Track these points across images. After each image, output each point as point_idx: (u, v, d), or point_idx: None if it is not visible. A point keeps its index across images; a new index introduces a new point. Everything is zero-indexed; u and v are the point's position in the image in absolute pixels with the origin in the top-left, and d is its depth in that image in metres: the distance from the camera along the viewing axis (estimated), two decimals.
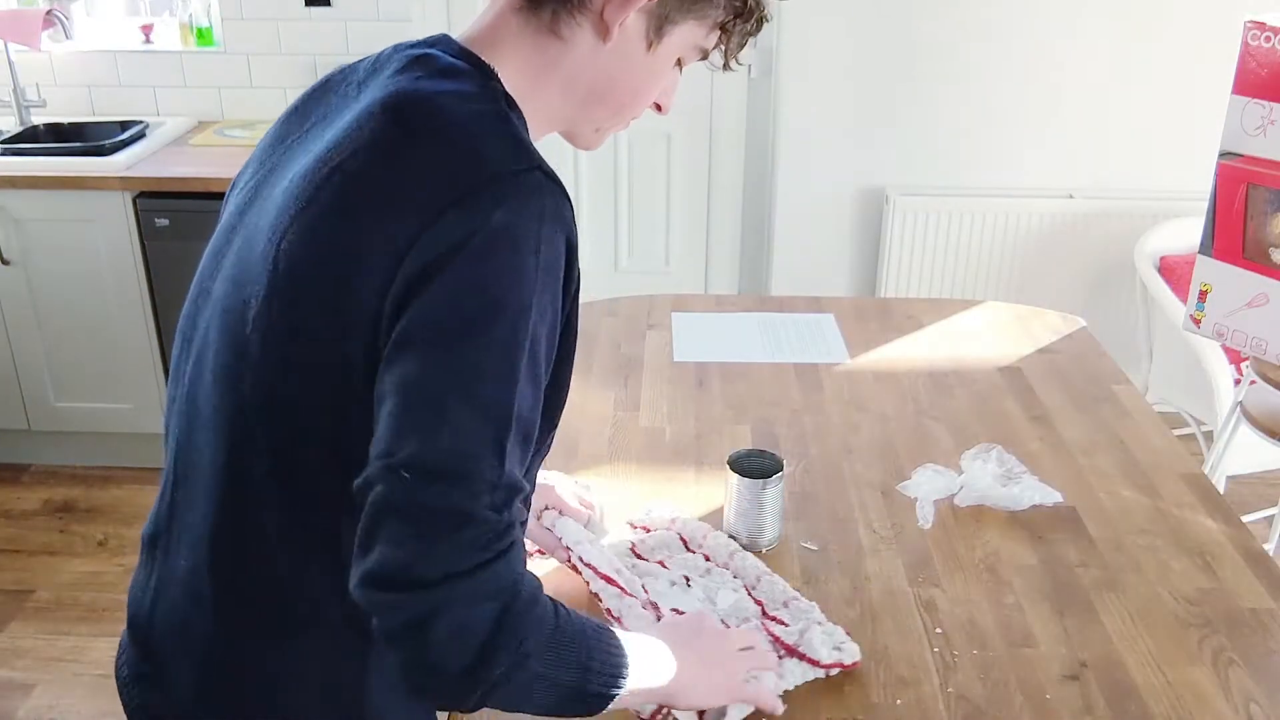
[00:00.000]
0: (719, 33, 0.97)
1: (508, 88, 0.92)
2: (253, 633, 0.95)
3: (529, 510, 0.94)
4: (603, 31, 0.92)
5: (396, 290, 0.81)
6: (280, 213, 0.89)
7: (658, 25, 0.94)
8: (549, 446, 1.01)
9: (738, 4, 0.96)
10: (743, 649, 1.10)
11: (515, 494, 0.82)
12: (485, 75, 0.92)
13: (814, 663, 1.14)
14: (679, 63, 1.00)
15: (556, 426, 1.00)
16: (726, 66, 1.01)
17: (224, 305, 0.92)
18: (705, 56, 1.00)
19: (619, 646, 0.92)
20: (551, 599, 0.87)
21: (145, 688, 1.01)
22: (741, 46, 1.00)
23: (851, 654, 1.16)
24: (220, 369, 0.91)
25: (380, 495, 0.78)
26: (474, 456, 0.79)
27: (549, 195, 0.85)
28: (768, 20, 0.99)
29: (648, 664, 0.96)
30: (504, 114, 0.89)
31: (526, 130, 0.92)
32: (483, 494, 0.79)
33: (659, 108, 1.03)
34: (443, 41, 0.95)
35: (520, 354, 0.81)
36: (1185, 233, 2.97)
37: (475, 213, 0.81)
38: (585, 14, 0.92)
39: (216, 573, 0.94)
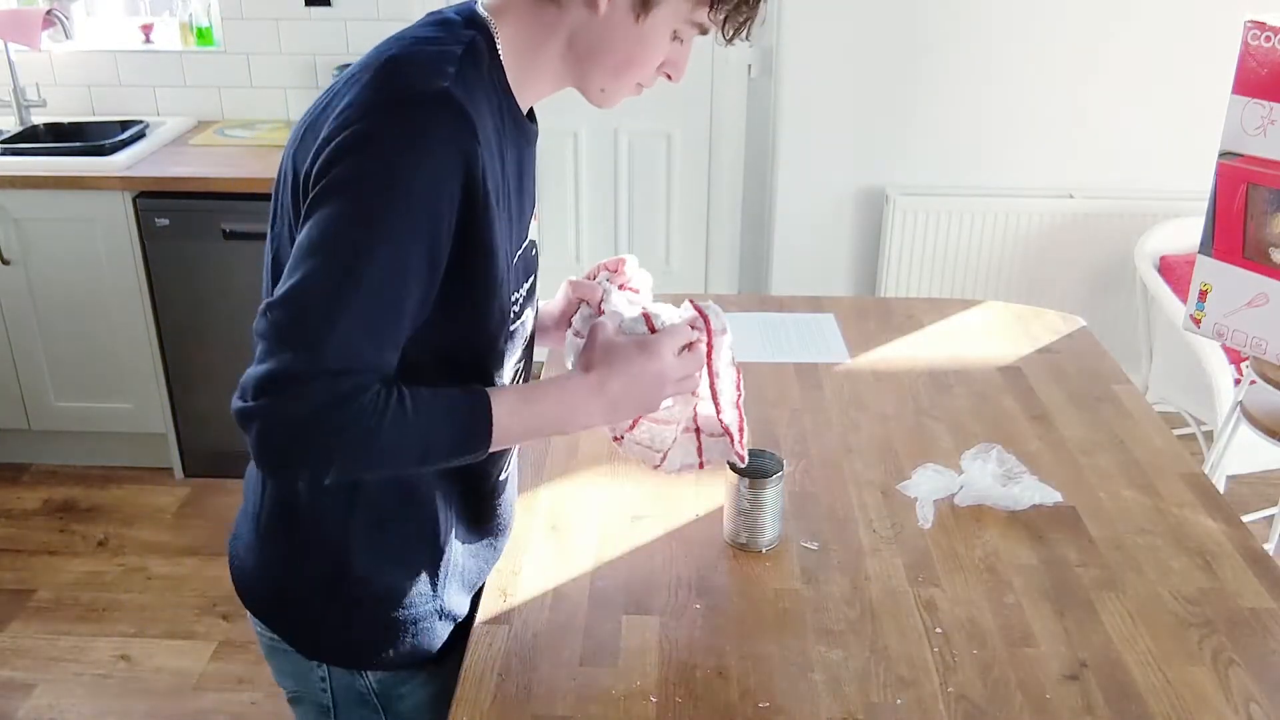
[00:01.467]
0: (709, 8, 1.03)
1: (510, 48, 1.05)
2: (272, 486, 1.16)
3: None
4: (592, 3, 1.01)
5: (312, 181, 0.96)
6: (293, 132, 1.08)
7: None
8: (503, 352, 1.12)
9: None
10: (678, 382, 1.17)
11: (347, 350, 0.93)
12: (473, 27, 1.03)
13: (726, 431, 1.24)
14: (677, 35, 1.05)
15: (498, 336, 1.10)
16: (730, 42, 1.06)
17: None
18: (704, 31, 1.06)
19: (478, 423, 1.02)
20: (397, 393, 0.97)
21: (235, 546, 1.23)
22: (741, 24, 1.05)
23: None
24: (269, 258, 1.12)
25: (254, 324, 0.96)
26: (314, 309, 0.92)
27: (443, 118, 0.95)
28: None
29: (529, 423, 1.09)
30: (450, 53, 0.99)
31: (497, 70, 1.03)
32: (310, 336, 0.92)
33: (669, 77, 1.10)
34: (463, 6, 1.07)
35: (381, 244, 0.93)
36: (1185, 233, 2.96)
37: (372, 127, 0.94)
38: None
39: None
